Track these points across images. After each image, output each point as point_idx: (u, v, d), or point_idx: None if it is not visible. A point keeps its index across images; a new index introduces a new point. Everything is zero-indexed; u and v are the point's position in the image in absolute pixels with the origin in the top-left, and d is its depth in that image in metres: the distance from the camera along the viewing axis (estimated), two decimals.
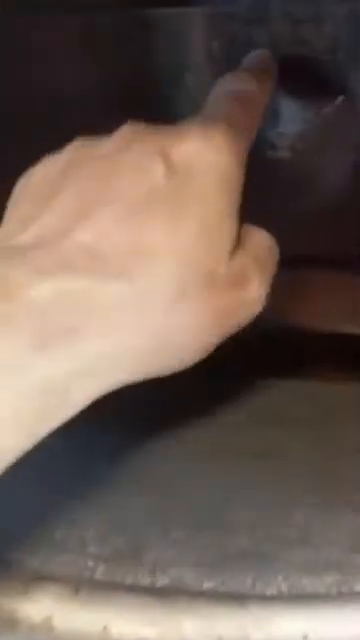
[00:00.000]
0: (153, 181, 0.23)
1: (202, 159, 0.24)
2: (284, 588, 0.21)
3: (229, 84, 0.28)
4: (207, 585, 0.21)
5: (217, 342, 0.25)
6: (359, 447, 0.27)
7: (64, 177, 0.24)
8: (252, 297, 0.25)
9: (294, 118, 0.36)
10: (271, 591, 0.21)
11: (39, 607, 0.21)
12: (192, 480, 0.26)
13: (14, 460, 0.20)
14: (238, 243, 0.25)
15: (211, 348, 0.25)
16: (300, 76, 0.35)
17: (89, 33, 0.37)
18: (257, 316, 0.26)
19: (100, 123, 0.37)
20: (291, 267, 0.35)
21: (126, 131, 0.25)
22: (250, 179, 0.35)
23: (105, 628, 0.20)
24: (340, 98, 0.35)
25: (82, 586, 0.22)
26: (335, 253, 0.37)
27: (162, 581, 0.21)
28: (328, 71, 0.35)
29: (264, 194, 0.37)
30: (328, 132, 0.36)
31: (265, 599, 0.20)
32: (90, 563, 0.22)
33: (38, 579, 0.22)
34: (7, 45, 0.35)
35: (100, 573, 0.22)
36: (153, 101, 0.37)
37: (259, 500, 0.24)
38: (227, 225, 0.24)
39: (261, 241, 0.26)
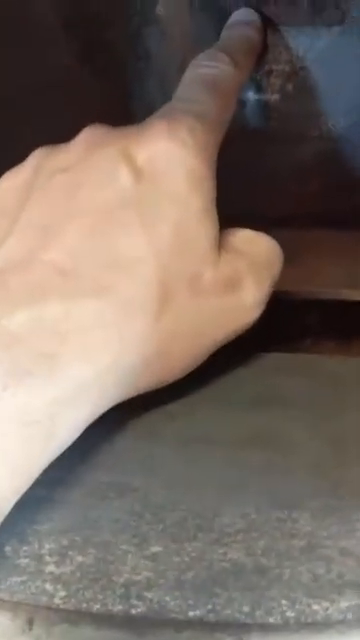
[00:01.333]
0: (120, 188, 0.23)
1: (166, 158, 0.23)
2: (290, 615, 0.17)
3: (201, 68, 0.27)
4: (194, 613, 0.17)
5: (212, 349, 0.24)
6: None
7: (28, 192, 0.23)
8: (247, 303, 0.25)
9: (285, 52, 0.31)
10: (274, 619, 0.17)
11: None
12: (174, 476, 0.22)
13: (10, 507, 0.19)
14: (233, 247, 0.25)
15: (205, 356, 0.24)
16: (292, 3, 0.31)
17: None
18: None
19: (61, 64, 0.33)
20: (279, 227, 0.32)
21: (87, 136, 0.24)
22: (234, 128, 0.31)
23: None
24: (337, 29, 0.31)
25: (37, 616, 0.17)
26: (327, 210, 0.34)
27: (138, 608, 0.17)
28: None
29: (249, 144, 0.33)
30: (323, 69, 0.32)
31: (267, 629, 0.16)
32: (48, 586, 0.18)
33: None
34: None
35: (60, 599, 0.18)
36: (122, 35, 0.33)
37: (255, 501, 0.20)
38: (204, 224, 0.23)
39: (261, 246, 0.26)
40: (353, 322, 0.34)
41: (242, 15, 0.31)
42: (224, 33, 0.31)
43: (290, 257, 0.32)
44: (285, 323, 0.36)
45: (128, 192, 0.23)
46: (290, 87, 0.32)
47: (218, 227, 0.24)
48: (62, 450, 0.20)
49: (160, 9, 0.32)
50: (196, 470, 0.22)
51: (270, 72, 0.32)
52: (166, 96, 0.29)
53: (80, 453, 0.22)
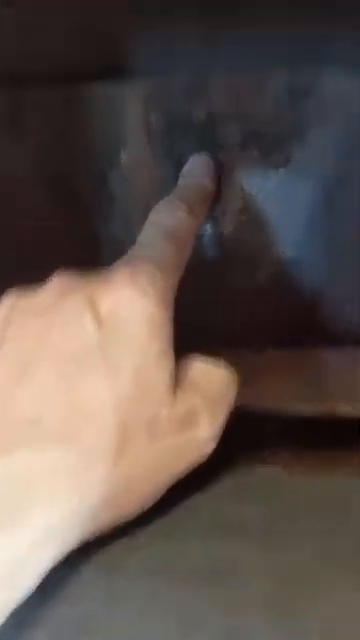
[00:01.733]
0: (85, 335, 0.24)
1: (128, 306, 0.24)
2: None
3: (161, 216, 0.29)
4: None
5: (169, 484, 0.25)
6: (318, 559, 0.24)
7: (2, 333, 0.24)
8: (202, 438, 0.26)
9: (238, 192, 0.34)
10: None
11: None
12: (135, 610, 0.22)
13: None
14: (188, 381, 0.26)
15: (163, 491, 0.25)
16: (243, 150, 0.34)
17: (18, 109, 0.35)
18: None
19: (30, 207, 0.36)
20: (235, 345, 0.34)
21: (57, 283, 0.25)
22: (194, 257, 0.34)
23: None
24: (283, 170, 0.34)
25: None
26: (282, 330, 0.36)
27: None
28: (271, 143, 0.33)
29: (208, 271, 0.36)
30: (271, 205, 0.35)
31: None
32: None
33: None
34: None
35: None
36: (88, 179, 0.35)
37: (211, 637, 0.21)
38: (161, 367, 0.24)
39: (215, 379, 0.27)
40: (307, 434, 0.36)
41: (197, 162, 0.33)
42: (181, 180, 0.32)
43: (246, 375, 0.34)
44: (244, 435, 0.38)
45: (92, 339, 0.24)
46: (243, 220, 0.35)
47: (174, 367, 0.25)
48: (27, 595, 0.21)
49: (123, 156, 0.34)
50: (157, 604, 0.22)
51: (224, 208, 0.35)
52: (130, 235, 0.31)
53: (44, 587, 0.22)
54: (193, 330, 0.34)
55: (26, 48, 0.31)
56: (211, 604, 0.22)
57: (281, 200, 0.34)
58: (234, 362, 0.31)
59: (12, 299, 0.26)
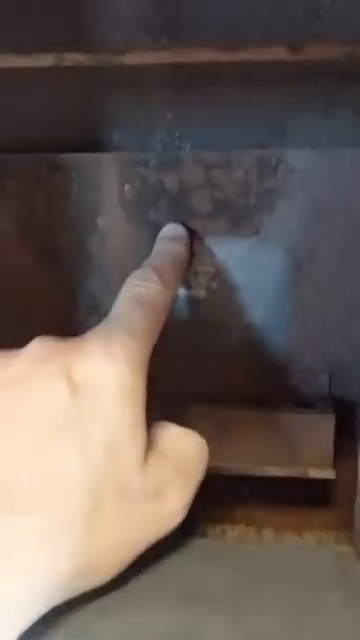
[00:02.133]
0: (58, 404, 0.24)
1: (102, 375, 0.25)
2: None
3: (134, 287, 0.29)
4: None
5: (139, 551, 0.25)
6: (283, 629, 0.24)
7: None
8: (171, 509, 0.26)
9: (209, 257, 0.36)
10: None
11: None
12: None
13: None
14: (160, 450, 0.26)
15: (133, 557, 0.25)
16: (214, 219, 0.35)
17: (5, 173, 0.36)
18: None
19: (13, 263, 0.37)
20: (207, 405, 0.34)
21: (33, 349, 0.26)
22: (168, 318, 0.35)
23: None
24: (253, 239, 0.35)
25: None
26: (252, 391, 0.36)
27: None
28: (240, 213, 0.35)
29: (180, 332, 0.37)
30: (241, 272, 0.36)
31: None
32: None
33: None
34: None
35: None
36: (68, 240, 0.37)
37: None
38: (134, 437, 0.25)
39: (187, 447, 0.27)
40: (282, 494, 0.37)
41: (170, 230, 0.34)
42: (155, 247, 0.33)
43: (218, 434, 0.34)
44: (219, 496, 0.38)
45: (66, 408, 0.24)
46: (215, 285, 0.36)
47: (146, 436, 0.25)
48: None
49: (100, 220, 0.36)
50: None
51: (197, 273, 0.36)
52: (107, 292, 0.33)
53: None
54: (169, 390, 0.35)
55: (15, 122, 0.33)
56: None
57: (251, 266, 0.36)
58: (206, 420, 0.32)
59: None
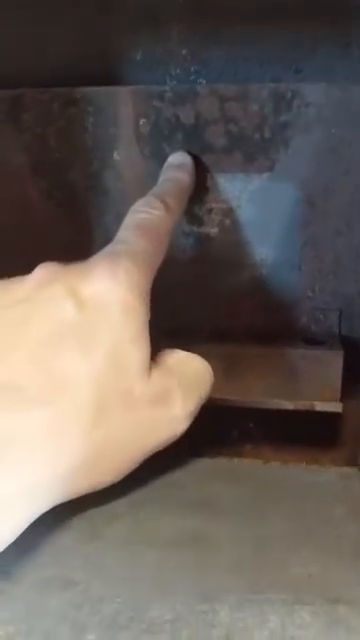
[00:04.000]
0: (64, 318, 0.25)
1: (108, 296, 0.26)
2: None
3: (139, 213, 0.30)
4: None
5: (143, 457, 0.26)
6: (286, 535, 0.25)
7: None
8: (174, 416, 0.27)
9: (223, 194, 0.36)
10: None
11: None
12: (112, 573, 0.24)
13: None
14: (165, 366, 0.27)
15: (137, 462, 0.26)
16: (228, 153, 0.35)
17: (16, 110, 0.36)
18: None
19: (29, 203, 0.37)
20: (218, 341, 0.34)
21: (39, 275, 0.27)
22: (181, 255, 0.35)
23: None
24: (267, 174, 0.35)
25: None
26: (262, 329, 0.37)
27: None
28: (255, 148, 0.35)
29: (193, 269, 0.37)
30: (255, 208, 0.36)
31: None
32: None
33: None
34: None
35: None
36: (83, 175, 0.37)
37: (183, 595, 0.22)
38: (137, 347, 0.26)
39: (191, 367, 0.29)
40: (289, 430, 0.37)
41: (176, 158, 0.35)
42: (161, 176, 0.34)
43: (227, 368, 0.35)
44: (228, 430, 0.39)
45: (71, 320, 0.25)
46: (228, 222, 0.36)
47: (149, 349, 0.27)
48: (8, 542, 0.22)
49: (116, 155, 0.36)
50: (133, 568, 0.24)
51: (210, 210, 0.37)
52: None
53: (27, 550, 0.24)
54: (178, 326, 0.35)
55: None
56: (181, 567, 0.24)
57: (263, 202, 0.36)
58: (216, 355, 0.32)
59: (2, 284, 0.27)
